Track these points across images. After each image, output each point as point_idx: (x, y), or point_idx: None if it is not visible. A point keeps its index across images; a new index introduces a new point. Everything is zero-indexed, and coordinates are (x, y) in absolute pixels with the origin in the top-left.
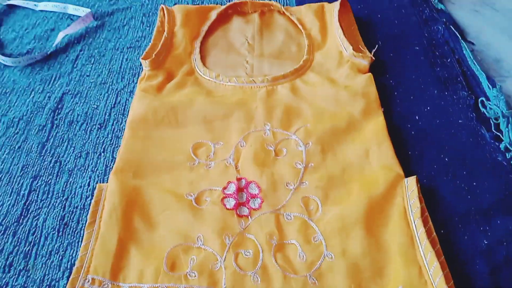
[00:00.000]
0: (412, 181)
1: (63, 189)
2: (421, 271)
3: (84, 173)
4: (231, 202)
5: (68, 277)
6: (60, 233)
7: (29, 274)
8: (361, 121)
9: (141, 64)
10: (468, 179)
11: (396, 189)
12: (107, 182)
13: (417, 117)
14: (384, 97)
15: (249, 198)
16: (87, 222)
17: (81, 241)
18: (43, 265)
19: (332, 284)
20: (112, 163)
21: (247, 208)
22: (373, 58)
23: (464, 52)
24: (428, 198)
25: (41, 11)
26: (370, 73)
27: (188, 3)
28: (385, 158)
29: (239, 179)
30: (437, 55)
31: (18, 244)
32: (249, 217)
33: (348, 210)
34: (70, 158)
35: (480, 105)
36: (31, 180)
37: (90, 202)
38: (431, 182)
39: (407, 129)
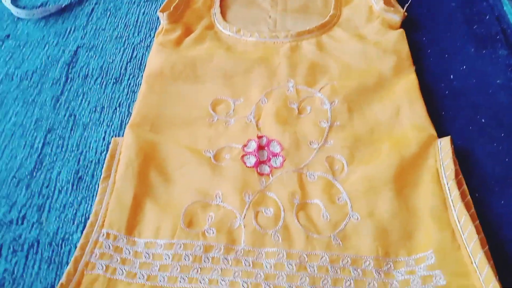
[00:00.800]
0: (446, 142)
1: (78, 143)
2: (454, 235)
3: (99, 128)
4: (251, 160)
5: (82, 231)
6: (74, 187)
7: (42, 227)
8: (391, 79)
9: (158, 18)
10: (505, 141)
11: (428, 150)
12: (122, 136)
13: (451, 77)
14: (417, 54)
15: (271, 157)
16: (102, 176)
17: (96, 196)
18: (57, 218)
19: (357, 246)
20: (128, 118)
21: (268, 166)
22: (406, 13)
23: (504, 8)
24: (462, 160)
25: None
26: (402, 29)
27: None
28: (417, 118)
29: (260, 137)
30: (475, 11)
31: (31, 196)
32: (270, 175)
33: (376, 170)
34: (84, 112)
35: None
36: (44, 133)
37: (105, 157)
38: (466, 144)
39: (441, 88)
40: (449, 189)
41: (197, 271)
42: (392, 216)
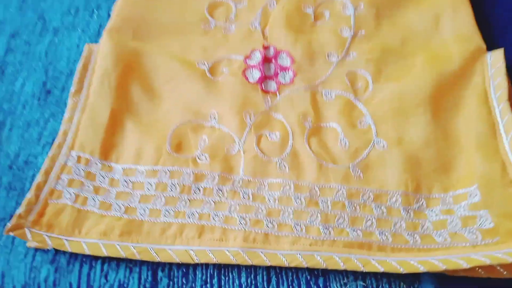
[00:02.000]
0: (497, 56)
1: (47, 50)
2: (505, 168)
3: (73, 33)
4: (255, 75)
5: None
6: (41, 102)
7: (1, 148)
8: None
9: None
10: None
11: (474, 66)
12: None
13: None
14: None
15: (278, 71)
16: (73, 90)
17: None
18: (19, 138)
19: (382, 179)
20: (107, 22)
21: (275, 82)
22: None
23: None
24: None
25: None
26: None
27: None
28: (462, 26)
29: (266, 47)
30: None
31: None
32: (278, 93)
33: (408, 89)
34: (56, 15)
35: None
36: (7, 38)
37: None
38: None
39: None
40: (500, 113)
41: (185, 203)
42: (425, 144)
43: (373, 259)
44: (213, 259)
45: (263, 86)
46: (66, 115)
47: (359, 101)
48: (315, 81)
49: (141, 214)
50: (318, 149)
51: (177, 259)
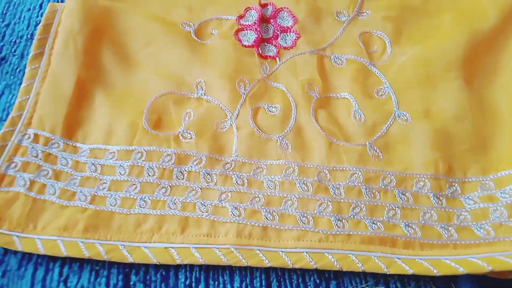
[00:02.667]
0: None
1: (4, 12)
2: None
3: None
4: (249, 37)
5: None
6: None
7: None
8: None
9: None
10: None
11: None
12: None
13: None
14: None
15: (278, 32)
16: (31, 55)
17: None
18: None
19: (407, 159)
20: None
21: (274, 46)
22: None
23: None
24: None
25: None
26: None
27: None
28: None
29: (263, 5)
30: None
31: None
32: (277, 58)
33: (435, 51)
34: None
35: None
36: None
37: None
38: None
39: None
40: None
41: (166, 191)
42: (457, 116)
43: (398, 259)
44: (199, 259)
45: (259, 50)
46: (23, 86)
47: (375, 67)
48: (322, 44)
49: (111, 205)
50: (327, 124)
51: (154, 260)
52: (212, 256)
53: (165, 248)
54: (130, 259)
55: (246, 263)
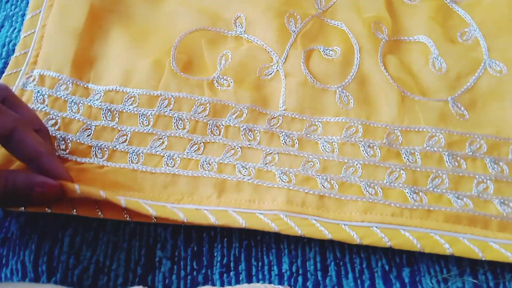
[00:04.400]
0: None
1: None
2: None
3: None
4: None
5: (2, 72)
6: None
7: None
8: None
9: None
10: None
11: None
12: None
13: None
14: None
15: None
16: None
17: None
18: None
19: (500, 119)
20: None
21: None
22: None
23: None
24: None
25: None
26: None
27: None
28: None
29: None
30: None
31: None
32: None
33: None
34: None
35: None
36: None
37: None
38: None
39: None
40: None
41: (198, 148)
42: None
43: (494, 243)
44: (239, 220)
45: None
46: (27, 18)
47: (458, 4)
48: None
49: (132, 162)
50: (399, 73)
51: (181, 216)
52: (256, 220)
53: (197, 209)
54: (152, 212)
55: (300, 232)
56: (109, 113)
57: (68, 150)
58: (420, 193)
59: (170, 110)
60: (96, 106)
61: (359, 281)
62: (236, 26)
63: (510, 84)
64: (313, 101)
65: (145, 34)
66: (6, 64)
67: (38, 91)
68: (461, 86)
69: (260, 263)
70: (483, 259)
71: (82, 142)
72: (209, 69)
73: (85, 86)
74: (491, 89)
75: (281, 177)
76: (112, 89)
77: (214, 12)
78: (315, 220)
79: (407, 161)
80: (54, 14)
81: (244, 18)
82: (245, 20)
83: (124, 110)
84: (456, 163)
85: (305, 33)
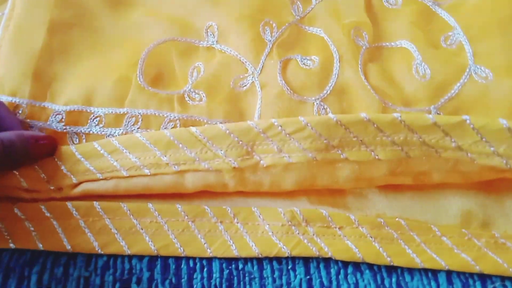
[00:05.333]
0: None
1: None
2: None
3: None
4: None
5: None
6: None
7: None
8: None
9: None
10: None
11: None
12: None
13: None
14: None
15: None
16: None
17: None
18: None
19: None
20: None
21: None
22: None
23: None
24: None
25: None
26: None
27: None
28: None
29: None
30: None
31: None
32: None
33: None
34: None
35: None
36: None
37: None
38: None
39: None
40: None
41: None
42: None
43: None
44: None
45: None
46: None
47: (441, 7)
48: None
49: None
50: (380, 82)
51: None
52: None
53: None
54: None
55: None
56: (76, 136)
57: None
58: None
59: (137, 128)
60: (60, 130)
61: None
62: (208, 35)
63: (495, 91)
64: (290, 114)
65: (110, 48)
66: None
67: None
68: (445, 94)
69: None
70: None
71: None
72: (179, 83)
73: (41, 105)
74: (476, 97)
75: None
76: (75, 109)
77: (184, 22)
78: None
79: None
80: (10, 34)
81: (216, 27)
82: (217, 29)
83: (90, 132)
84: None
85: (282, 42)
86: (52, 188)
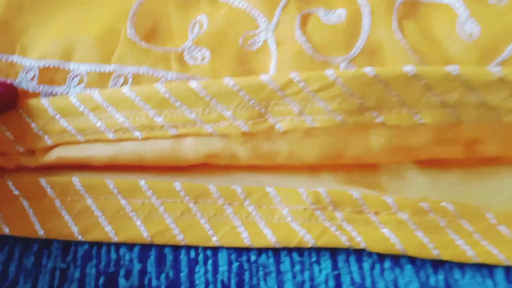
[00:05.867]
0: None
1: None
2: None
3: None
4: None
5: None
6: None
7: None
8: None
9: None
10: None
11: None
12: None
13: None
14: None
15: None
16: None
17: None
18: None
19: None
20: None
21: None
22: None
23: None
24: None
25: None
26: None
27: None
28: None
29: None
30: None
31: None
32: None
33: None
34: None
35: None
36: None
37: None
38: None
39: None
40: None
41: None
42: None
43: None
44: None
45: None
46: None
47: None
48: None
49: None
50: (419, 40)
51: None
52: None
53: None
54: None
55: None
56: (45, 94)
57: None
58: None
59: (128, 89)
60: (32, 91)
61: None
62: None
63: None
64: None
65: None
66: None
67: None
68: (496, 56)
69: None
70: None
71: None
72: (177, 38)
73: (9, 60)
74: None
75: None
76: (50, 65)
77: None
78: None
79: None
80: None
81: None
82: None
83: (63, 91)
84: None
85: None
86: (21, 150)
